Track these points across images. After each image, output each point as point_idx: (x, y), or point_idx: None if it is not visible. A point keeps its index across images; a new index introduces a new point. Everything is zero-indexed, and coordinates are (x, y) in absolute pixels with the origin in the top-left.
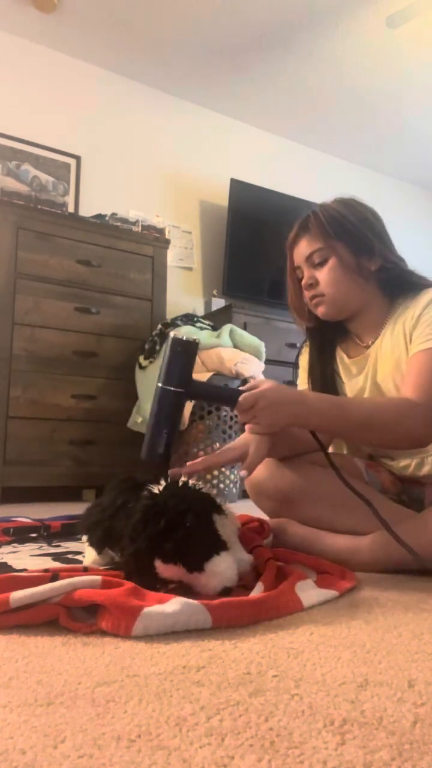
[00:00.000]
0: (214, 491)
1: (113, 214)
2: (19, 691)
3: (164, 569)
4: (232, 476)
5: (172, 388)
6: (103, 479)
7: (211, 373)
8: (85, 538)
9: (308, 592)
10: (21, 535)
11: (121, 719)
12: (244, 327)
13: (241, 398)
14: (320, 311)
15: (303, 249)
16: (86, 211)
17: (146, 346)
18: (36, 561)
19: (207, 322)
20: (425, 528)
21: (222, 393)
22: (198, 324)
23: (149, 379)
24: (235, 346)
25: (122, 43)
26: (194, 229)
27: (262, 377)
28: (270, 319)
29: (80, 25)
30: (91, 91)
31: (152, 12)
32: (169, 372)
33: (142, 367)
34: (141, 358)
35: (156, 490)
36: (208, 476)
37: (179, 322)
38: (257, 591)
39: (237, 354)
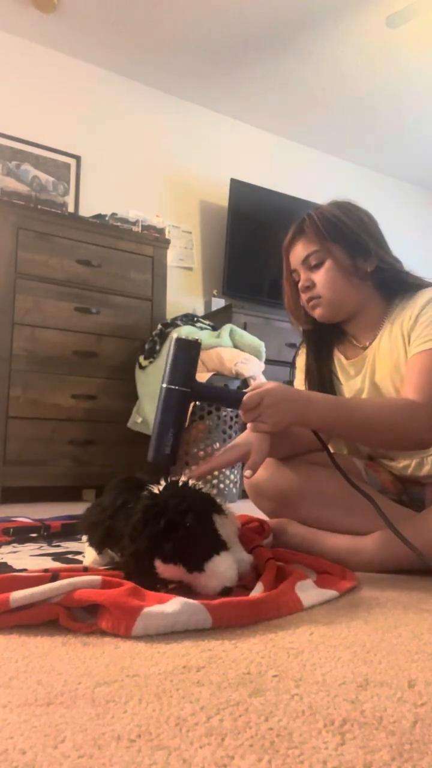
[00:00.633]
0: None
1: (113, 214)
2: (19, 691)
3: (164, 569)
4: (232, 476)
5: (177, 388)
6: (103, 479)
7: (211, 374)
8: (85, 538)
9: (308, 592)
10: (21, 535)
11: (121, 719)
12: (244, 327)
13: (245, 397)
14: (317, 313)
15: (299, 252)
16: (86, 211)
17: (146, 346)
18: (36, 561)
19: (207, 322)
20: (425, 528)
21: (226, 393)
22: (198, 324)
23: (149, 379)
24: (235, 346)
25: (122, 43)
26: (194, 229)
27: (262, 377)
28: (270, 319)
29: (80, 25)
30: (91, 91)
31: (152, 12)
32: (174, 372)
33: (142, 367)
34: (141, 358)
35: (156, 490)
36: (208, 476)
37: (179, 322)
38: (257, 591)
39: (237, 354)
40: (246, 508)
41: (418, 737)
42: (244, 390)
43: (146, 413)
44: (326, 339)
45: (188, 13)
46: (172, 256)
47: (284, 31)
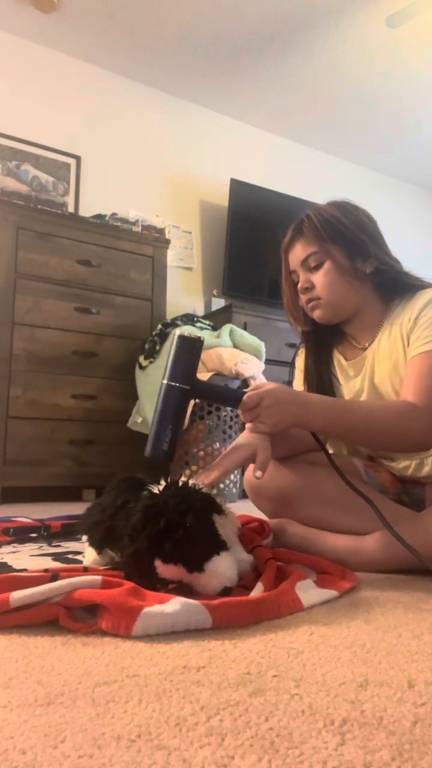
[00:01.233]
0: (214, 491)
1: (113, 214)
2: (19, 691)
3: (164, 569)
4: (232, 476)
5: (177, 385)
6: (103, 479)
7: (211, 373)
8: (85, 538)
9: (308, 592)
10: (21, 535)
11: (121, 719)
12: (244, 327)
13: (245, 397)
14: (317, 315)
15: (298, 253)
16: (86, 211)
17: (146, 346)
18: (36, 561)
19: (207, 322)
20: (425, 528)
21: (226, 392)
22: (198, 324)
23: (149, 379)
24: (235, 346)
25: (122, 43)
26: (194, 229)
27: (262, 377)
28: (270, 319)
29: (80, 25)
30: (91, 91)
31: (152, 12)
32: (175, 369)
33: (142, 367)
34: (141, 358)
35: (156, 490)
36: None
37: (179, 322)
38: (257, 591)
39: (237, 354)
40: (246, 508)
41: (418, 737)
42: (244, 390)
43: (146, 413)
44: (325, 340)
45: (188, 13)
46: (172, 256)
47: (284, 31)
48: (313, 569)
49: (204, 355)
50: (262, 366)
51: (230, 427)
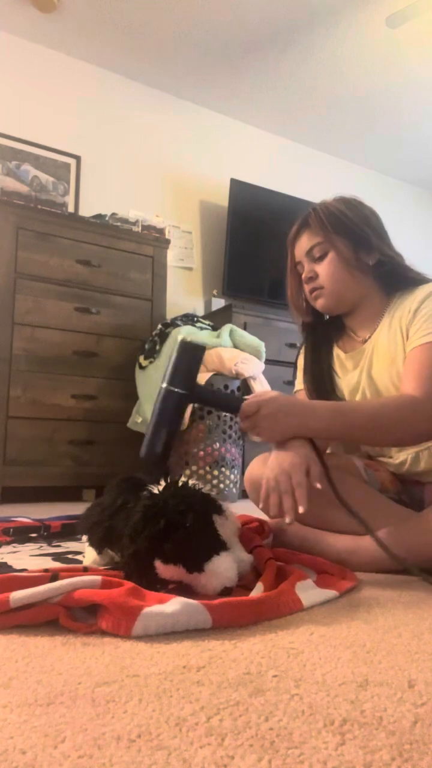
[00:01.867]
0: (214, 491)
1: (113, 214)
2: (19, 691)
3: (164, 569)
4: (232, 476)
5: (176, 390)
6: (103, 479)
7: (211, 373)
8: (85, 538)
9: (308, 592)
10: (21, 535)
11: (121, 719)
12: (244, 327)
13: (244, 404)
14: (319, 304)
15: (303, 244)
16: (86, 211)
17: (146, 346)
18: (36, 561)
19: (207, 322)
20: (425, 527)
21: (225, 398)
22: (198, 324)
23: (149, 379)
24: (235, 346)
25: (122, 43)
26: (194, 229)
27: (262, 377)
28: (270, 319)
29: (80, 25)
30: (91, 91)
31: (152, 12)
32: (175, 373)
33: (142, 367)
34: (141, 358)
35: (156, 490)
36: (208, 476)
37: (179, 322)
38: (257, 591)
39: (237, 354)
40: (246, 508)
41: (418, 737)
42: (244, 397)
43: (146, 413)
44: (326, 332)
45: (188, 13)
46: (172, 256)
47: (284, 31)
48: (313, 569)
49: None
50: (262, 366)
51: (230, 427)
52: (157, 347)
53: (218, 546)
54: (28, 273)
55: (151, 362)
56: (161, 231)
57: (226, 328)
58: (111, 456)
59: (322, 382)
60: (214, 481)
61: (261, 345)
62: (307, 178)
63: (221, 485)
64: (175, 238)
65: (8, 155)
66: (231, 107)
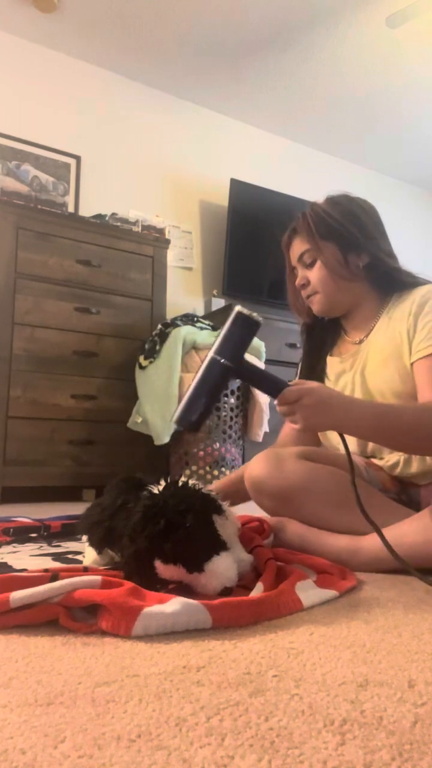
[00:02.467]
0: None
1: (113, 214)
2: (19, 691)
3: (164, 569)
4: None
5: (223, 360)
6: (103, 479)
7: None
8: (85, 538)
9: (308, 592)
10: (21, 535)
11: (121, 719)
12: None
13: (286, 390)
14: (314, 308)
15: (295, 250)
16: (86, 211)
17: (146, 346)
18: (36, 561)
19: (207, 322)
20: (426, 527)
21: (269, 380)
22: (198, 324)
23: (149, 379)
24: None
25: (122, 43)
26: (194, 229)
27: None
28: (270, 319)
29: (80, 25)
30: (91, 91)
31: (152, 12)
32: (224, 344)
33: (142, 367)
34: (141, 358)
35: (156, 490)
36: (208, 476)
37: (179, 322)
38: (257, 591)
39: None
40: (246, 508)
41: (418, 737)
42: (288, 382)
43: (146, 413)
44: (323, 334)
45: (188, 13)
46: (172, 256)
47: (284, 31)
48: (313, 569)
49: (204, 354)
50: (261, 366)
51: (230, 427)
52: (157, 347)
53: (218, 546)
54: (28, 273)
55: (151, 362)
56: (161, 231)
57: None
58: (111, 456)
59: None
60: (215, 481)
61: (261, 345)
62: (307, 178)
63: None
64: (175, 238)
65: (8, 155)
66: (231, 107)
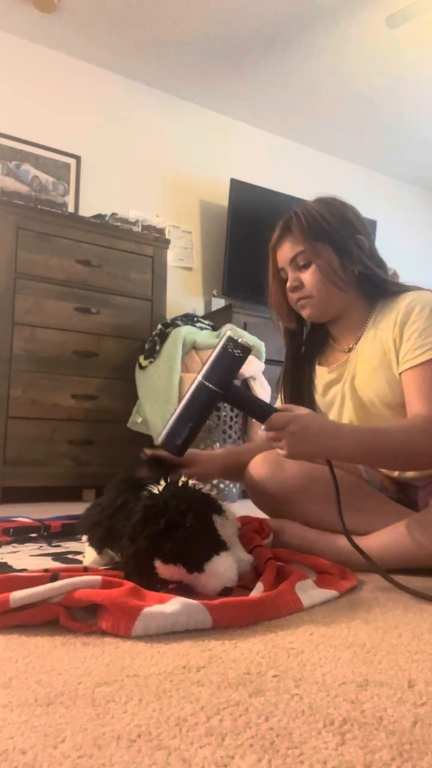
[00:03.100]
0: (214, 491)
1: (113, 214)
2: (19, 691)
3: (164, 569)
4: None
5: (210, 386)
6: (103, 479)
7: None
8: (85, 538)
9: (308, 592)
10: (21, 535)
11: (121, 719)
12: (244, 327)
13: (272, 416)
14: (305, 313)
15: (286, 251)
16: (86, 211)
17: (146, 346)
18: (36, 561)
19: (207, 322)
20: (426, 526)
21: (256, 405)
22: (198, 324)
23: (149, 379)
24: None
25: (122, 43)
26: (194, 229)
27: (262, 377)
28: (270, 319)
29: (80, 25)
30: (91, 91)
31: (152, 12)
32: (213, 369)
33: (142, 367)
34: (141, 358)
35: (156, 490)
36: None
37: (179, 322)
38: (257, 591)
39: None
40: (246, 508)
41: (418, 737)
42: (277, 407)
43: (146, 413)
44: (309, 341)
45: (188, 13)
46: (172, 256)
47: (284, 31)
48: (313, 569)
49: (204, 354)
50: (262, 366)
51: (230, 427)
52: (157, 347)
53: (218, 546)
54: (28, 273)
55: (151, 362)
56: (161, 231)
57: (226, 328)
58: (111, 456)
59: (301, 396)
60: (214, 481)
61: (261, 345)
62: (307, 178)
63: (221, 485)
64: (175, 238)
65: (8, 155)
66: (231, 107)
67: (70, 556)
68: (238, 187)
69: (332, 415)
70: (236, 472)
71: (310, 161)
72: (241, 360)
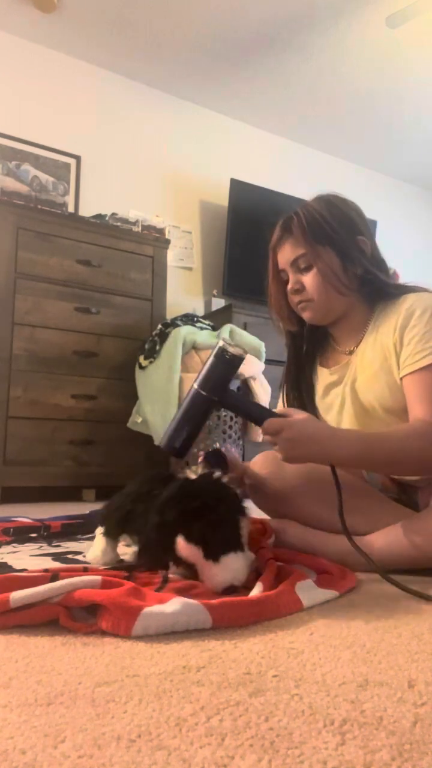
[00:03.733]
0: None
1: (113, 214)
2: (19, 691)
3: (184, 547)
4: None
5: (205, 393)
6: (103, 479)
7: None
8: (98, 529)
9: (308, 592)
10: (21, 535)
11: (121, 719)
12: (244, 327)
13: (267, 422)
14: (307, 316)
15: (287, 253)
16: (86, 211)
17: (146, 346)
18: (36, 561)
19: (207, 322)
20: (427, 526)
21: (252, 410)
22: (198, 324)
23: (149, 379)
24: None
25: (122, 43)
26: (194, 229)
27: (262, 377)
28: (270, 319)
29: (80, 25)
30: (91, 91)
31: (152, 12)
32: (207, 377)
33: (142, 367)
34: (141, 358)
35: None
36: None
37: (179, 322)
38: (257, 591)
39: None
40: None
41: (418, 737)
42: (272, 411)
43: (146, 413)
44: (310, 342)
45: (188, 13)
46: (172, 256)
47: (284, 31)
48: (313, 569)
49: (204, 354)
50: (262, 366)
51: (230, 427)
52: (157, 347)
53: (237, 545)
54: (28, 273)
55: (151, 362)
56: (161, 231)
57: (226, 328)
58: (111, 456)
59: (303, 398)
60: None
61: (261, 345)
62: (308, 178)
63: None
64: (175, 238)
65: (8, 155)
66: (231, 107)
67: (70, 556)
68: (238, 187)
69: (331, 418)
70: (264, 498)
71: (310, 161)
72: (234, 367)
